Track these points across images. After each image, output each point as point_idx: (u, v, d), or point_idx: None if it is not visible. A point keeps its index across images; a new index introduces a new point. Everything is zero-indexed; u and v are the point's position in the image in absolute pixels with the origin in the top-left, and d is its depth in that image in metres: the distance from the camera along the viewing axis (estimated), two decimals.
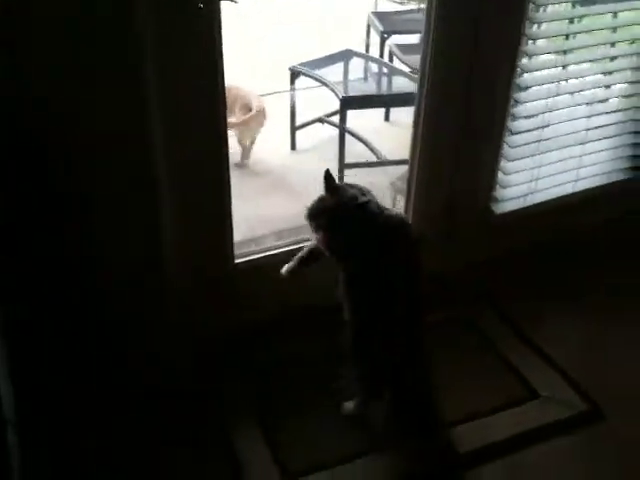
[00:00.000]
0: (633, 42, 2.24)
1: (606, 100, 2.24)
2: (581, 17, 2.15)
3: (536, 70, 2.05)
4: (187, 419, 1.76)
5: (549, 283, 2.29)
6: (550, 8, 2.01)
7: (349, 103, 2.94)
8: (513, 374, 1.94)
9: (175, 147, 1.64)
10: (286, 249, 1.95)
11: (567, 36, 2.11)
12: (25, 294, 1.51)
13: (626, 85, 2.26)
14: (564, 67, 2.13)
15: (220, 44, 1.58)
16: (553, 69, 2.10)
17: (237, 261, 1.90)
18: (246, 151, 3.25)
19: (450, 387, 1.85)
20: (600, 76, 2.19)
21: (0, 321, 1.25)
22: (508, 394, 1.87)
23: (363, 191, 1.64)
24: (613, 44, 2.21)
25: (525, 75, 2.03)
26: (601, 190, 2.35)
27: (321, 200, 1.64)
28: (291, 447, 1.71)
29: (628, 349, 2.05)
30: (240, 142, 3.19)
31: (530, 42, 2.00)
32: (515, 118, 2.09)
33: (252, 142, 3.26)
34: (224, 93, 1.66)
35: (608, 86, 2.24)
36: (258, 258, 1.93)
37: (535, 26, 1.99)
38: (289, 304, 2.01)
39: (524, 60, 2.01)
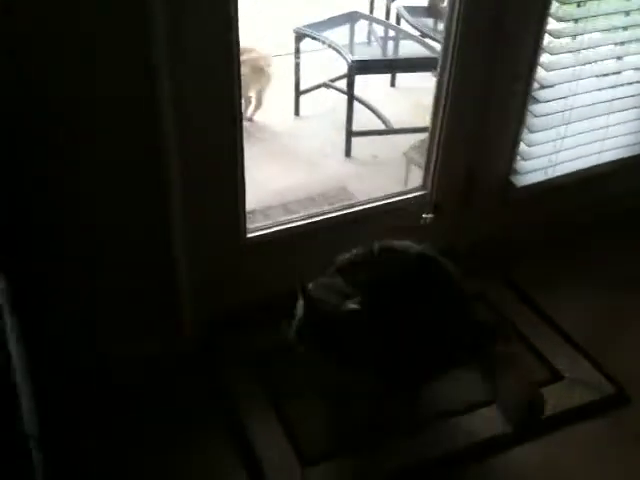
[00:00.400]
0: None
1: (631, 70, 2.12)
2: None
3: (560, 37, 1.93)
4: (198, 414, 1.69)
5: (568, 257, 2.22)
6: None
7: (359, 68, 2.81)
8: (534, 354, 1.87)
9: (185, 116, 1.53)
10: (298, 223, 1.86)
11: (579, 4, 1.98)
12: (31, 295, 1.45)
13: None
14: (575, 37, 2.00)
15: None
16: (579, 37, 1.98)
17: (249, 235, 1.79)
18: (249, 105, 3.08)
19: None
20: (626, 46, 2.07)
21: (16, 327, 1.16)
22: (530, 374, 1.80)
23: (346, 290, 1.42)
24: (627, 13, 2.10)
25: (551, 41, 1.92)
26: (625, 162, 2.26)
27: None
28: (309, 434, 1.63)
29: None
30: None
31: (557, 5, 1.88)
32: (540, 86, 1.99)
33: (259, 100, 3.09)
34: (239, 57, 1.54)
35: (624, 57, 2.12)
36: (271, 232, 1.82)
37: None
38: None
39: (550, 25, 1.90)
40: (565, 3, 1.88)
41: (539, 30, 1.88)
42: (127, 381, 1.69)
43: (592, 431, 1.68)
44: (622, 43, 2.12)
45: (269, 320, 1.87)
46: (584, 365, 1.85)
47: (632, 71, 2.14)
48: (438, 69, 1.87)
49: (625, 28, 2.10)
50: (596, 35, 2.00)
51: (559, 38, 1.92)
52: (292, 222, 1.85)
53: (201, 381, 1.76)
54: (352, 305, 1.36)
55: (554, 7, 1.87)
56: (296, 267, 1.90)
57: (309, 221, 1.86)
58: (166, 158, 1.52)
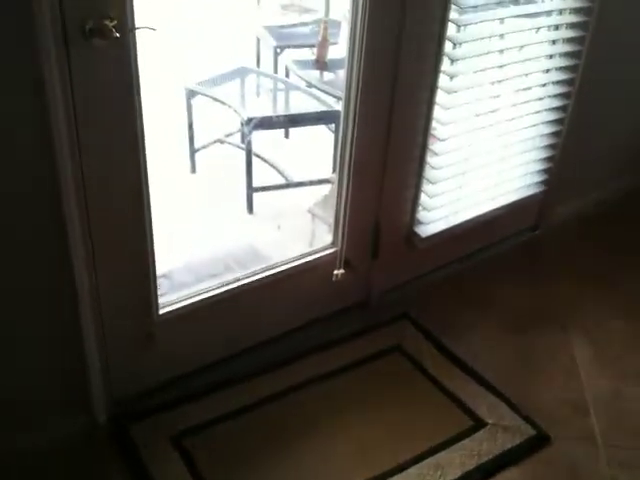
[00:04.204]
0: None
1: (519, 118, 2.25)
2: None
3: (455, 92, 2.02)
4: None
5: (474, 299, 2.31)
6: (470, 28, 1.99)
7: (255, 125, 2.80)
8: (456, 404, 1.90)
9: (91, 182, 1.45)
10: (212, 293, 1.80)
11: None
12: None
13: (535, 102, 2.29)
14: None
15: (137, 73, 1.40)
16: (470, 90, 2.08)
17: (162, 311, 1.71)
18: None
19: (395, 425, 1.80)
20: (513, 94, 2.20)
21: None
22: (455, 425, 1.83)
23: None
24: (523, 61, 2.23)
25: (445, 95, 2.00)
26: (517, 205, 2.38)
27: None
28: None
29: (551, 361, 2.09)
30: None
31: (450, 62, 1.97)
32: (437, 139, 2.06)
33: None
34: (142, 122, 1.47)
35: (521, 104, 2.25)
36: (185, 305, 1.75)
37: (454, 46, 1.97)
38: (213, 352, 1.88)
39: (443, 80, 1.98)
40: (455, 60, 1.97)
41: (432, 86, 1.96)
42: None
43: (519, 475, 1.71)
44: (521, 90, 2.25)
45: (187, 395, 1.81)
46: (503, 409, 1.89)
47: (519, 120, 2.27)
48: (341, 123, 1.89)
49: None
50: (485, 87, 2.10)
51: (450, 93, 2.01)
52: (206, 292, 1.79)
53: (117, 466, 1.64)
54: None
55: (445, 64, 1.95)
56: (213, 337, 1.85)
57: (224, 289, 1.81)
58: (72, 239, 1.43)
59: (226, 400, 1.82)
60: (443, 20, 1.85)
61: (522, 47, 2.18)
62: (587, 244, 2.64)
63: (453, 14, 1.89)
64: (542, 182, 2.44)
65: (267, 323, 1.97)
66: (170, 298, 1.73)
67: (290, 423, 1.78)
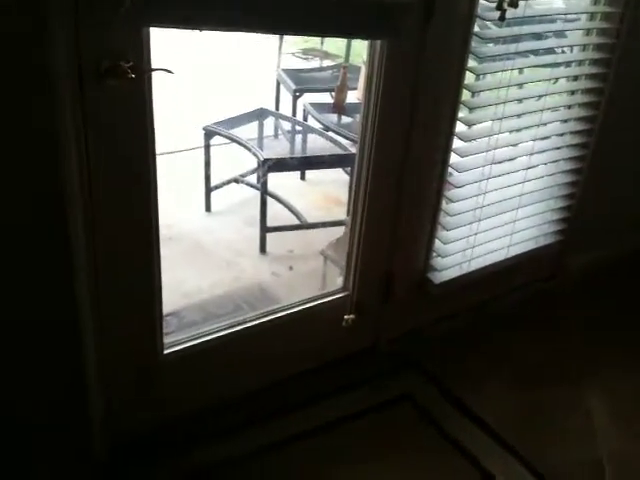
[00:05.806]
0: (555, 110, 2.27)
1: (536, 166, 2.24)
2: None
3: (471, 139, 2.01)
4: None
5: (487, 349, 2.26)
6: (488, 77, 1.99)
7: (272, 166, 2.81)
8: (464, 457, 1.84)
9: (99, 225, 1.44)
10: (219, 334, 1.78)
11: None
12: None
13: (553, 151, 2.28)
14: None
15: (151, 115, 1.40)
16: (487, 138, 2.07)
17: (166, 351, 1.69)
18: None
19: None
20: (530, 142, 2.19)
21: None
22: None
23: None
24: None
25: (462, 142, 1.99)
26: (532, 254, 2.34)
27: None
28: None
29: (566, 417, 2.03)
30: None
31: (467, 110, 1.97)
32: (453, 186, 2.05)
33: None
34: (155, 165, 1.48)
35: (538, 152, 2.24)
36: (190, 345, 1.72)
37: (472, 94, 1.97)
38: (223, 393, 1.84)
39: (460, 127, 1.98)
40: (473, 109, 1.96)
41: (449, 133, 1.95)
42: None
43: None
44: (538, 139, 2.21)
45: (189, 440, 1.77)
46: (514, 465, 1.84)
47: (536, 168, 2.25)
48: (355, 167, 1.89)
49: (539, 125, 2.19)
50: (503, 135, 2.09)
51: (467, 141, 2.00)
52: (212, 333, 1.77)
53: None
54: None
55: (463, 111, 1.95)
56: (218, 378, 1.82)
57: (231, 330, 1.79)
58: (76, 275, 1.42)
59: (226, 447, 1.78)
60: (461, 69, 1.86)
61: (540, 97, 2.18)
62: (603, 296, 2.59)
63: (472, 63, 1.90)
64: (559, 232, 2.41)
65: (273, 366, 1.93)
66: (175, 338, 1.71)
67: (288, 476, 1.74)
